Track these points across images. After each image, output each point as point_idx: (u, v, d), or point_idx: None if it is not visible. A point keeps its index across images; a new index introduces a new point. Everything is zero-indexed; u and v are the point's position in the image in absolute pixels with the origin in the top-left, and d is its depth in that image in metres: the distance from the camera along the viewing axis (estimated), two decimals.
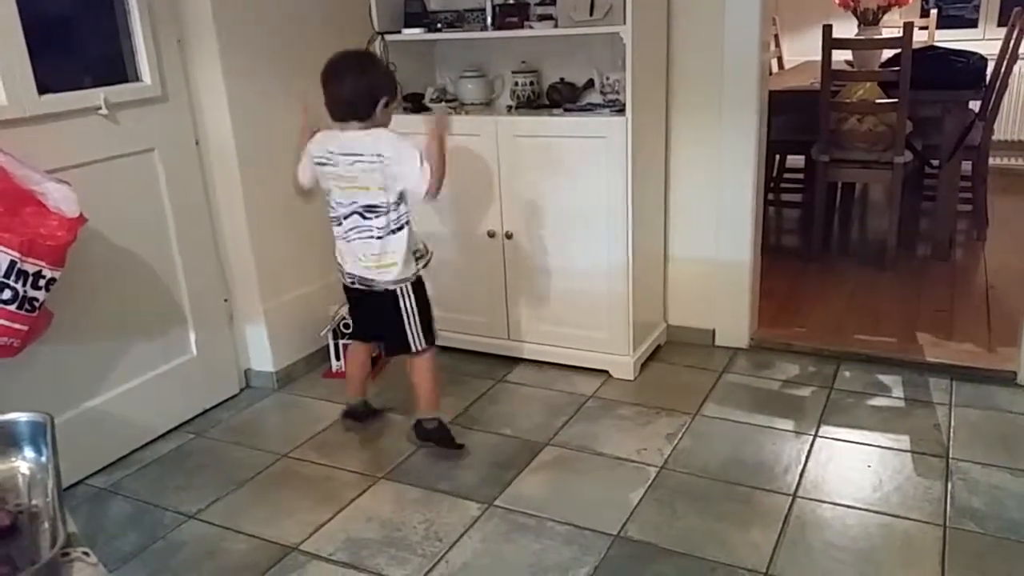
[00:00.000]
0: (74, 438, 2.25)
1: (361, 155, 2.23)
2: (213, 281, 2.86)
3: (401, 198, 2.28)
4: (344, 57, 2.28)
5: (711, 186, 3.01)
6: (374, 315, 2.44)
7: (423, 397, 2.51)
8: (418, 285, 2.40)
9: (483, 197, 2.94)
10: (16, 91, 2.19)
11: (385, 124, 2.30)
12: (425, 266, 2.41)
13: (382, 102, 2.26)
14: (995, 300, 3.49)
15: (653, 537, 2.10)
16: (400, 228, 2.30)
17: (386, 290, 2.36)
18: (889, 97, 3.74)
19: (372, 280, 2.36)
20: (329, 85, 2.25)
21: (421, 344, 2.43)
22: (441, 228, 3.04)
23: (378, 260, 2.32)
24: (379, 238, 2.29)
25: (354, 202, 2.28)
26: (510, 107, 3.02)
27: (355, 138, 2.25)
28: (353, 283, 2.41)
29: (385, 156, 2.21)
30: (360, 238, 2.31)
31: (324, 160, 2.29)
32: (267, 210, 2.90)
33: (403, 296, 2.36)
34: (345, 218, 2.31)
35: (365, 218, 2.28)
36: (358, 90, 2.23)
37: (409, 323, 2.39)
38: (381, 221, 2.28)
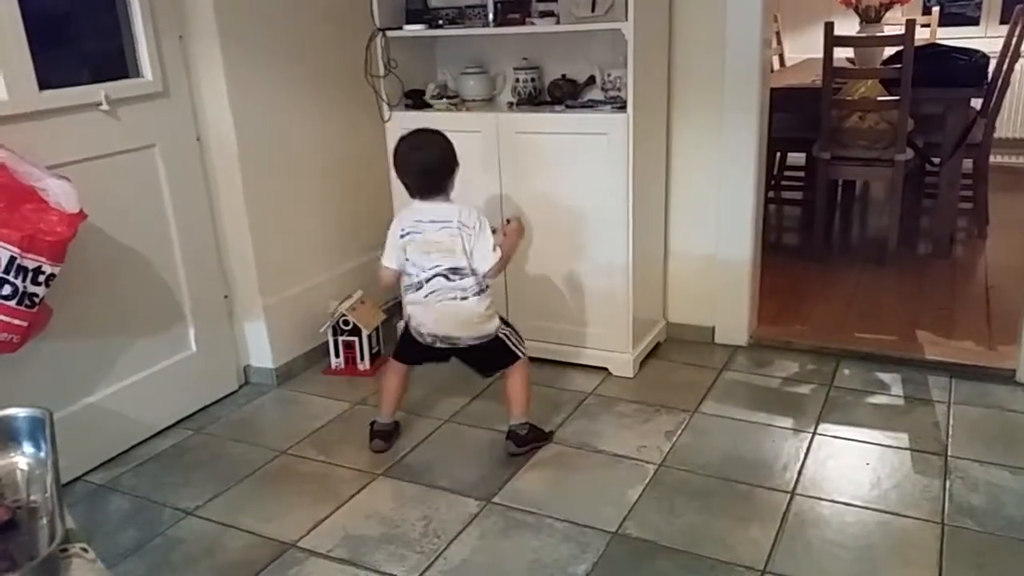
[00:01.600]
0: (73, 434, 2.25)
1: (449, 221, 2.31)
2: (213, 277, 2.86)
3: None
4: (421, 136, 2.38)
5: (712, 183, 3.01)
6: (444, 356, 2.48)
7: (518, 405, 2.49)
8: (505, 322, 2.48)
9: (484, 194, 2.94)
10: (17, 87, 2.19)
11: (454, 188, 2.40)
12: (504, 322, 2.48)
13: (456, 171, 2.37)
14: (995, 298, 3.49)
15: (652, 534, 2.10)
16: (483, 291, 2.38)
17: (473, 346, 2.42)
18: (891, 95, 3.73)
19: (457, 339, 2.40)
20: (411, 162, 2.35)
21: (523, 351, 2.49)
22: None
23: (470, 319, 2.37)
24: (464, 299, 2.35)
25: (438, 265, 2.33)
26: (511, 104, 3.02)
27: (440, 208, 2.34)
28: (435, 342, 2.42)
29: (468, 226, 2.31)
30: (444, 301, 2.35)
31: (411, 230, 2.35)
32: (267, 206, 2.90)
33: (506, 337, 2.45)
34: (427, 281, 2.35)
35: (450, 280, 2.34)
36: (438, 162, 2.34)
37: (512, 343, 2.46)
38: (466, 283, 2.34)
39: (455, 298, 2.34)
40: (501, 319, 2.46)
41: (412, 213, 2.36)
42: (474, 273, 2.34)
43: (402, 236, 2.36)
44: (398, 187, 3.10)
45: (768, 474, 2.33)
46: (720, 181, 2.99)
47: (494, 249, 2.32)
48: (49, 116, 2.27)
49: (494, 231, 2.38)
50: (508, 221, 2.49)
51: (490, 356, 2.46)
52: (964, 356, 2.93)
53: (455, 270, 2.33)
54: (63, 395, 2.39)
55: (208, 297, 2.84)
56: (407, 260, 2.36)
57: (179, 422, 2.76)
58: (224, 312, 2.92)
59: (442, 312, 2.36)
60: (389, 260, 2.41)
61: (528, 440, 2.49)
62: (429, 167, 2.33)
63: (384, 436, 2.57)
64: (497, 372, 2.55)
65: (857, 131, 3.88)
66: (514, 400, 2.50)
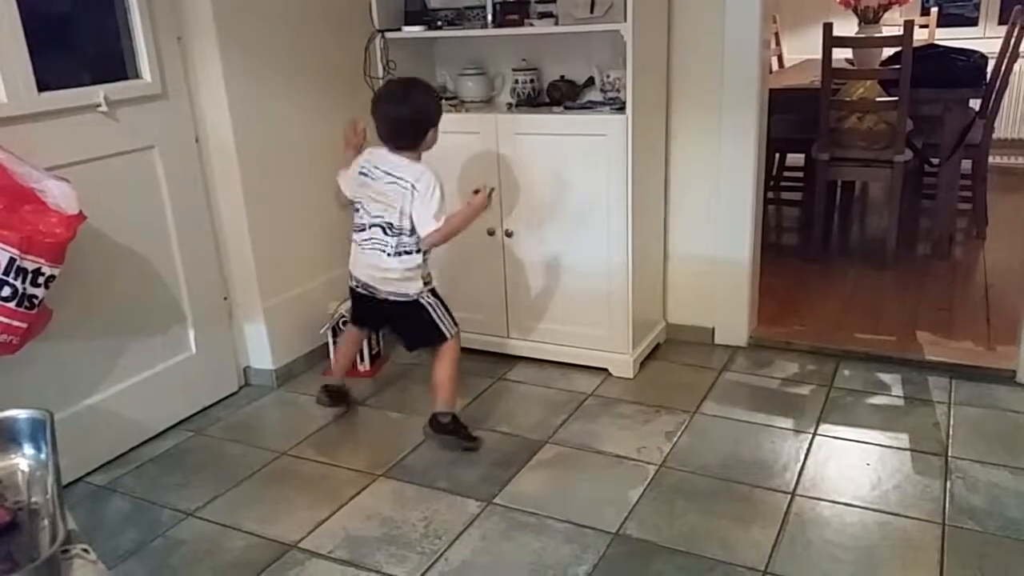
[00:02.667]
0: (73, 435, 2.25)
1: (402, 179, 2.35)
2: (212, 279, 2.86)
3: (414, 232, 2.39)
4: (397, 85, 2.43)
5: (711, 184, 3.01)
6: (379, 313, 2.52)
7: (443, 393, 2.52)
8: (433, 291, 2.50)
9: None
10: (16, 88, 2.18)
11: (431, 146, 2.41)
12: (428, 288, 2.48)
13: (432, 130, 2.38)
14: (994, 299, 3.49)
15: (652, 535, 2.10)
16: (410, 252, 2.40)
17: (394, 301, 2.45)
18: (889, 95, 3.73)
19: (375, 289, 2.46)
20: (381, 112, 2.37)
21: (451, 328, 2.51)
22: None
23: (383, 274, 2.42)
24: (388, 255, 2.39)
25: (379, 216, 2.39)
26: (510, 105, 3.02)
27: (400, 163, 2.37)
28: (357, 287, 2.50)
29: (417, 189, 2.34)
30: (373, 249, 2.41)
31: (367, 172, 2.40)
32: (267, 208, 2.90)
33: (428, 304, 2.47)
34: (368, 228, 2.41)
35: (386, 233, 2.39)
36: (410, 118, 2.36)
37: (435, 314, 2.48)
38: (398, 240, 2.38)
39: (383, 251, 2.39)
40: (428, 287, 2.47)
41: (375, 157, 2.41)
42: (412, 234, 2.37)
43: (360, 173, 2.41)
44: None
45: (768, 475, 2.33)
46: (719, 182, 2.99)
47: (436, 218, 2.33)
48: (48, 118, 2.27)
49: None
50: (476, 192, 2.46)
51: (414, 326, 2.49)
52: (964, 356, 2.94)
53: (391, 226, 2.37)
54: (63, 397, 2.39)
55: (208, 298, 2.83)
56: (359, 200, 2.42)
57: (179, 423, 2.76)
58: (224, 313, 2.92)
59: (368, 260, 2.43)
60: (345, 183, 2.47)
61: (447, 429, 2.49)
62: (399, 122, 2.35)
63: (330, 393, 2.70)
64: (421, 347, 2.62)
65: (856, 132, 3.88)
66: (438, 387, 2.52)
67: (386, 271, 2.41)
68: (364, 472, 2.45)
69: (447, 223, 2.36)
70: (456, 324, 2.54)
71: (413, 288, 2.44)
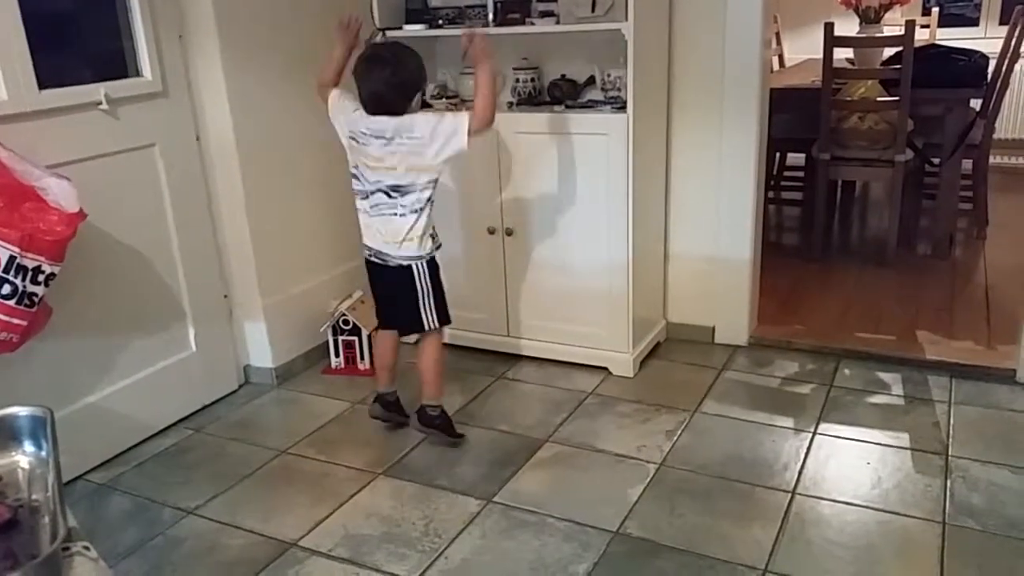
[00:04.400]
0: (73, 433, 2.25)
1: (391, 138, 2.27)
2: (213, 277, 2.86)
3: (429, 183, 2.32)
4: (385, 50, 2.33)
5: (711, 183, 3.01)
6: (391, 293, 2.47)
7: (429, 383, 2.52)
8: (432, 264, 2.43)
9: (484, 193, 2.94)
10: (16, 86, 2.18)
11: (415, 112, 2.33)
12: (437, 248, 2.44)
13: (417, 97, 2.32)
14: (995, 298, 3.49)
15: (653, 534, 2.10)
16: (421, 210, 2.34)
17: (401, 266, 2.39)
18: (890, 95, 3.73)
19: (388, 255, 2.39)
20: (370, 77, 2.27)
21: (434, 322, 2.46)
22: (442, 224, 3.03)
23: (395, 237, 2.35)
24: (401, 215, 2.33)
25: (379, 181, 2.32)
26: (511, 104, 3.02)
27: (385, 122, 2.27)
28: (371, 255, 2.44)
29: (419, 136, 2.25)
30: (382, 215, 2.35)
31: (356, 137, 2.32)
32: (267, 206, 2.90)
33: (418, 274, 2.40)
34: (371, 194, 2.35)
35: (390, 196, 2.32)
36: (395, 85, 2.26)
37: (423, 300, 2.43)
38: (405, 200, 2.31)
39: (393, 214, 2.33)
40: (431, 259, 2.41)
41: (361, 119, 2.30)
42: (426, 187, 2.30)
43: (349, 136, 2.34)
44: None
45: (769, 474, 2.33)
46: (720, 181, 2.99)
47: (466, 119, 2.22)
48: (49, 115, 2.27)
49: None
50: (470, 41, 2.30)
51: (403, 303, 2.42)
52: (964, 356, 2.93)
53: (396, 187, 2.31)
54: (64, 394, 2.39)
55: (208, 297, 2.83)
56: (355, 165, 2.36)
57: (179, 421, 2.76)
58: (224, 312, 2.92)
59: (379, 225, 2.37)
60: (330, 108, 2.38)
61: (434, 423, 2.49)
62: (390, 87, 2.25)
63: (383, 403, 2.62)
64: (408, 330, 2.55)
65: (857, 132, 3.88)
66: (424, 376, 2.51)
67: (400, 232, 2.33)
68: (364, 470, 2.45)
69: (474, 110, 2.23)
70: (447, 318, 2.49)
71: (426, 247, 2.37)
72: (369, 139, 2.30)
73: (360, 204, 2.40)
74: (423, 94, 2.35)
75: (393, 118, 2.28)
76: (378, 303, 2.58)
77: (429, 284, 2.42)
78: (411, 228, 2.34)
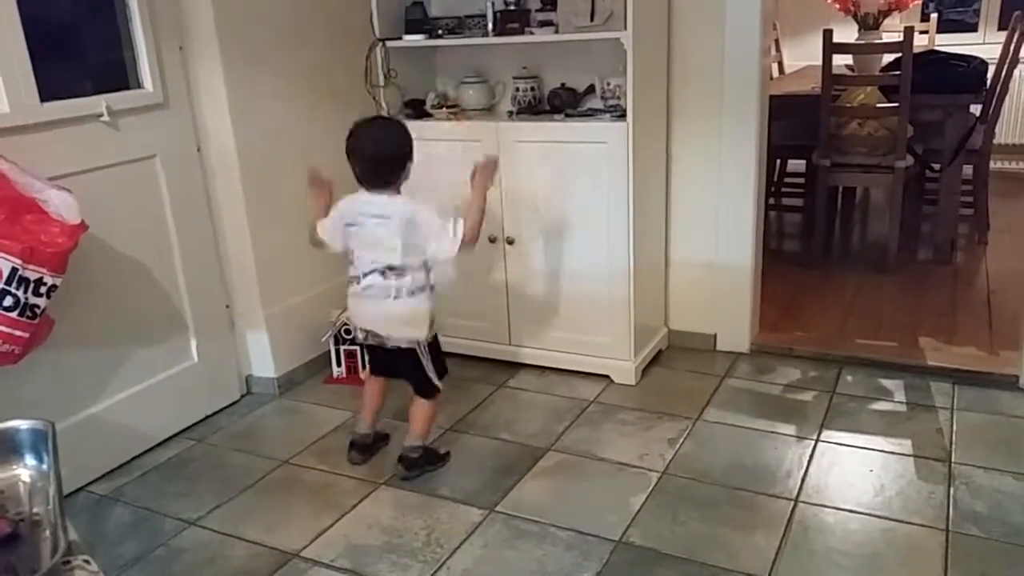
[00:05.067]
0: (75, 445, 2.25)
1: (390, 217, 2.25)
2: (214, 287, 2.86)
3: (424, 263, 2.31)
4: (372, 125, 2.33)
5: (712, 191, 3.01)
6: (391, 361, 2.45)
7: (416, 427, 2.45)
8: (434, 343, 2.41)
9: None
10: (18, 98, 2.19)
11: (408, 179, 2.33)
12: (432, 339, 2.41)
13: (410, 164, 2.31)
14: (997, 304, 3.48)
15: (655, 542, 2.10)
16: (418, 291, 2.31)
17: (400, 348, 2.36)
18: (890, 101, 3.74)
19: (383, 337, 2.36)
20: (363, 151, 2.27)
21: (436, 380, 2.42)
22: None
23: (394, 318, 2.33)
24: (396, 298, 2.30)
25: (376, 261, 2.29)
26: (511, 113, 3.02)
27: (385, 201, 2.28)
28: (365, 338, 2.41)
29: (418, 223, 2.25)
30: (375, 298, 2.31)
31: (354, 222, 2.30)
32: (268, 216, 2.91)
33: (421, 352, 2.37)
34: (365, 276, 2.32)
35: (385, 278, 2.29)
36: (392, 155, 2.28)
37: (427, 368, 2.39)
38: (403, 282, 2.29)
39: (388, 296, 2.29)
40: (433, 331, 2.38)
41: (357, 204, 2.30)
42: (421, 268, 2.29)
43: (347, 225, 2.32)
44: None
45: (771, 481, 2.33)
46: (720, 188, 2.99)
47: (453, 232, 2.24)
48: (50, 127, 2.28)
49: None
50: (484, 166, 2.36)
51: (413, 371, 2.39)
52: (966, 362, 2.93)
53: (392, 268, 2.28)
54: (65, 406, 2.39)
55: (209, 307, 2.84)
56: (353, 254, 2.34)
57: (181, 432, 2.76)
58: (225, 322, 2.92)
59: (372, 307, 2.33)
60: (327, 234, 2.34)
61: (419, 464, 2.44)
62: (382, 159, 2.27)
63: (360, 448, 2.55)
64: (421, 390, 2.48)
65: (857, 138, 3.89)
66: (413, 421, 2.46)
67: (397, 315, 2.31)
68: (366, 480, 2.44)
69: (464, 225, 2.26)
70: (445, 370, 2.44)
71: (422, 332, 2.34)
72: (365, 220, 2.28)
73: (352, 290, 2.36)
74: (413, 161, 2.31)
75: (388, 200, 2.27)
76: (371, 361, 2.55)
77: (429, 354, 2.38)
78: (418, 308, 2.32)
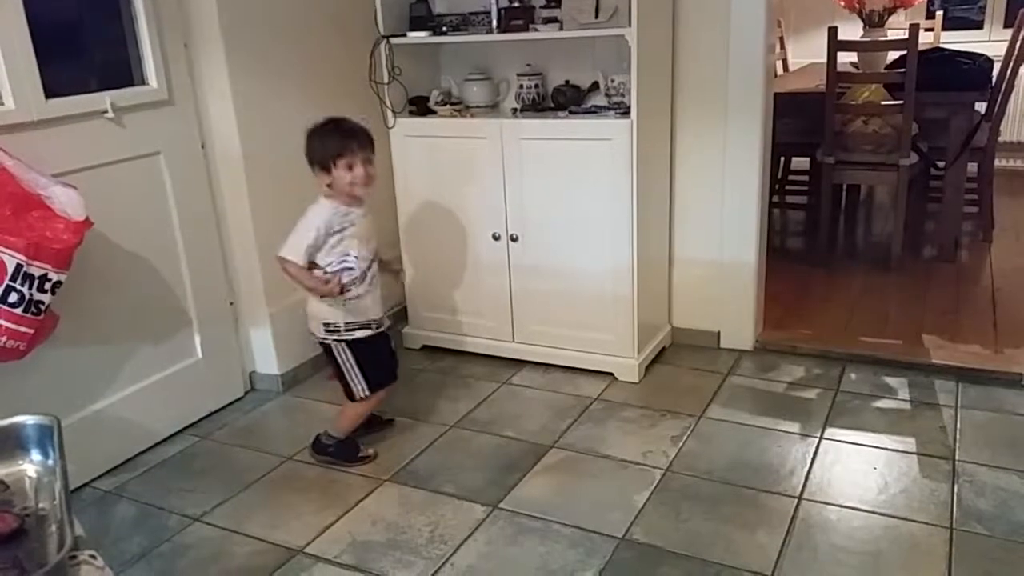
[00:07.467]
0: (80, 441, 2.26)
1: (363, 212, 2.39)
2: (218, 284, 2.86)
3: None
4: (341, 120, 2.37)
5: (716, 188, 3.00)
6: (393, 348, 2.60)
7: (340, 419, 2.53)
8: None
9: (488, 200, 2.94)
10: (24, 95, 2.19)
11: (339, 187, 2.31)
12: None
13: (319, 172, 2.33)
14: (1001, 302, 3.48)
15: (659, 540, 2.10)
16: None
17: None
18: (895, 99, 3.73)
19: (384, 320, 2.51)
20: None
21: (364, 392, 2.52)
22: (446, 230, 3.05)
23: (380, 300, 2.49)
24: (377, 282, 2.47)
25: (373, 249, 2.42)
26: (515, 110, 3.03)
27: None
28: (380, 328, 2.48)
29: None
30: (377, 284, 2.45)
31: (345, 224, 2.34)
32: (273, 213, 2.90)
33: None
34: (369, 268, 2.41)
35: (375, 263, 2.44)
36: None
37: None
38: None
39: (378, 280, 2.46)
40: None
41: (338, 210, 2.32)
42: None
43: (337, 232, 2.33)
44: (403, 193, 3.12)
45: (775, 479, 2.33)
46: (724, 186, 2.99)
47: (288, 248, 2.32)
48: (55, 124, 2.28)
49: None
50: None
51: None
52: (971, 360, 2.93)
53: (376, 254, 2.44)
54: (70, 402, 2.39)
55: (213, 304, 2.84)
56: (348, 255, 2.35)
57: (185, 428, 2.76)
58: (230, 319, 2.93)
59: (376, 294, 2.45)
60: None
61: (327, 452, 2.51)
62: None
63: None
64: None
65: (861, 135, 3.88)
66: (339, 414, 2.54)
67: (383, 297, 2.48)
68: (370, 477, 2.45)
69: (290, 260, 2.31)
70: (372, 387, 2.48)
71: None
72: (355, 217, 2.34)
73: (358, 290, 2.38)
74: (330, 173, 2.30)
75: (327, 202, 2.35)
76: (389, 361, 2.58)
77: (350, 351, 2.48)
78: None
